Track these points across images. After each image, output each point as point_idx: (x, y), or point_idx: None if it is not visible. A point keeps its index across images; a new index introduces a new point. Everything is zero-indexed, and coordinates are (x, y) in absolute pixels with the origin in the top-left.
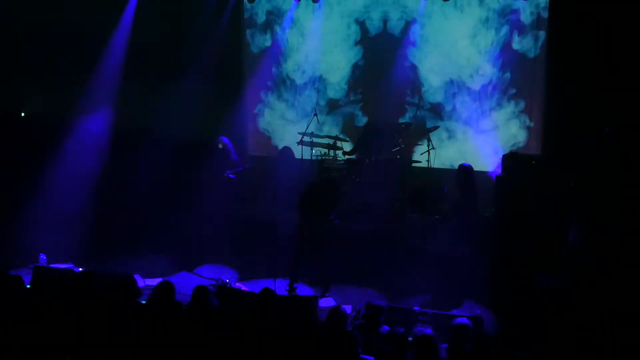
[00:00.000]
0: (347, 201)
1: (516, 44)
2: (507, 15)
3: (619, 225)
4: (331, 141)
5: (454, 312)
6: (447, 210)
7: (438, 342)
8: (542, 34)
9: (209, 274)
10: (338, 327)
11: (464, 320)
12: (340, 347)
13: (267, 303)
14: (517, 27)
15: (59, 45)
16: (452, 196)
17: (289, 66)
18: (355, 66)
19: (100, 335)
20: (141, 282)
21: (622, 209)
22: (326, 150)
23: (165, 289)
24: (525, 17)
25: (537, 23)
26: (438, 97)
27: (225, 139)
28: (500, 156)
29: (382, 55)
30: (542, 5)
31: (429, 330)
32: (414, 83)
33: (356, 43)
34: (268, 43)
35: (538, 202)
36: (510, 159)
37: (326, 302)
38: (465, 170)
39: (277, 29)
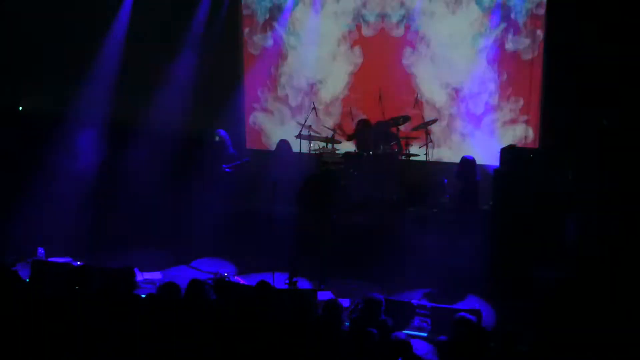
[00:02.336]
0: (346, 195)
1: (513, 42)
2: (503, 12)
3: (617, 216)
4: (329, 134)
5: (453, 305)
6: (447, 202)
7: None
8: (538, 31)
9: (206, 268)
10: (333, 320)
11: (466, 314)
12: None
13: (264, 297)
14: (513, 24)
15: (57, 42)
16: (453, 188)
17: (287, 65)
18: (353, 66)
19: (98, 329)
20: (139, 275)
21: (620, 200)
22: (324, 144)
23: (171, 290)
24: (521, 15)
25: (532, 20)
26: (436, 96)
27: (222, 132)
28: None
29: (380, 54)
30: (537, 0)
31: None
32: (412, 82)
33: (354, 43)
34: (267, 41)
35: (536, 195)
36: (509, 152)
37: (325, 296)
38: (464, 162)
39: (276, 26)
